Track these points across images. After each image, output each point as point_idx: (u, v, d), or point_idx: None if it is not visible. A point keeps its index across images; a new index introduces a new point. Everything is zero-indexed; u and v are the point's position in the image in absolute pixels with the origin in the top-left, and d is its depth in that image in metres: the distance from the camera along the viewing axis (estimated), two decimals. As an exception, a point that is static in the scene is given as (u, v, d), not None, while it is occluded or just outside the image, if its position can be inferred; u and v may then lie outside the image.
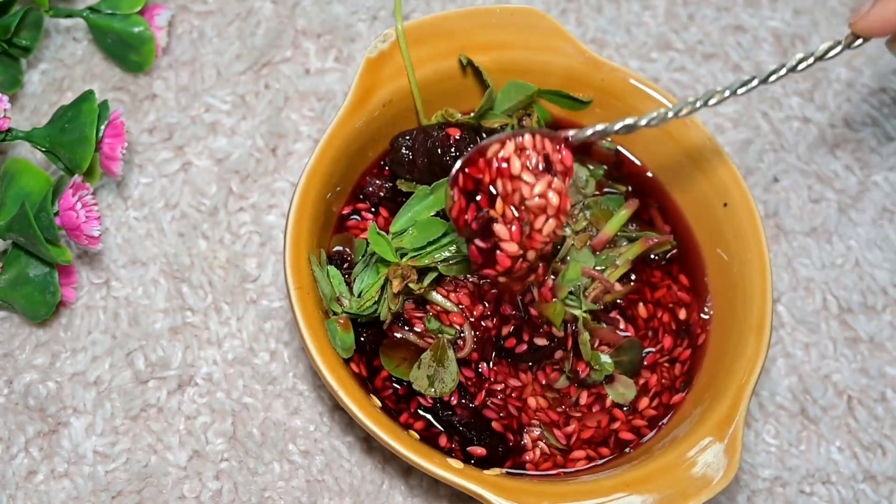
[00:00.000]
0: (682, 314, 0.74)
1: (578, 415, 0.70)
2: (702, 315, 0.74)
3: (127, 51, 0.82)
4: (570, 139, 0.63)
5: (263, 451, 0.73)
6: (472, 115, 0.75)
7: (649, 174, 0.77)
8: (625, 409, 0.71)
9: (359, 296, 0.68)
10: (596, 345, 0.71)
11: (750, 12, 0.92)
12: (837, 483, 0.76)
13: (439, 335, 0.69)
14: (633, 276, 0.74)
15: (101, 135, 0.73)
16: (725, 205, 0.72)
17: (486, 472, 0.65)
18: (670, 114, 0.63)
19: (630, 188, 0.76)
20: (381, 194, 0.74)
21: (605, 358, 0.71)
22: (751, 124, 0.88)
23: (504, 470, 0.67)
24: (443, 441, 0.68)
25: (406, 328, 0.70)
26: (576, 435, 0.70)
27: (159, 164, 0.81)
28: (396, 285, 0.66)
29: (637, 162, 0.77)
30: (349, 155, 0.72)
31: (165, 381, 0.74)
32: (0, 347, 0.74)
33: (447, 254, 0.67)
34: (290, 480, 0.72)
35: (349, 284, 0.68)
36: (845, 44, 0.62)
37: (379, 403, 0.67)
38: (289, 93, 0.84)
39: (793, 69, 0.62)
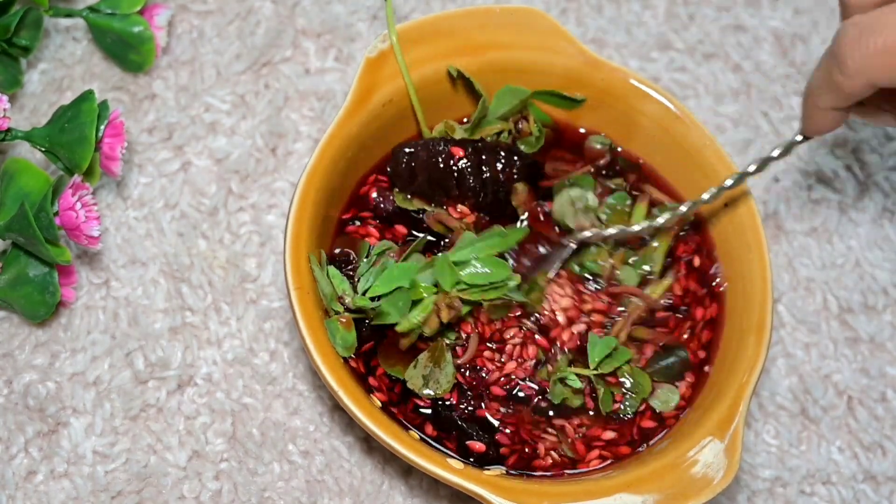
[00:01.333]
0: (697, 261, 0.74)
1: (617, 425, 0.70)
2: (715, 280, 0.73)
3: (127, 50, 0.82)
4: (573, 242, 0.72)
5: (263, 452, 0.73)
6: (469, 123, 0.75)
7: (641, 161, 0.77)
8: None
9: (363, 294, 0.68)
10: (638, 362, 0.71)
11: (750, 12, 0.92)
12: (838, 483, 0.76)
13: (439, 338, 0.69)
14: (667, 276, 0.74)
15: (100, 135, 0.73)
16: (726, 205, 0.72)
17: (486, 472, 0.65)
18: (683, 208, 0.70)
19: (628, 184, 0.76)
20: (391, 209, 0.73)
21: (643, 378, 0.70)
22: (751, 124, 0.87)
23: (504, 470, 0.67)
24: (440, 437, 0.68)
25: None
26: (613, 445, 0.69)
27: (159, 163, 0.81)
28: (445, 315, 0.67)
29: (632, 153, 0.77)
30: (349, 155, 0.72)
31: (165, 381, 0.74)
32: (0, 347, 0.74)
33: (495, 294, 0.68)
34: (289, 481, 0.72)
35: (353, 283, 0.68)
36: (793, 143, 0.66)
37: (379, 403, 0.67)
38: (289, 92, 0.84)
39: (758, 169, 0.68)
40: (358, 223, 0.73)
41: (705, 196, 0.69)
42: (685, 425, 0.68)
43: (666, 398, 0.70)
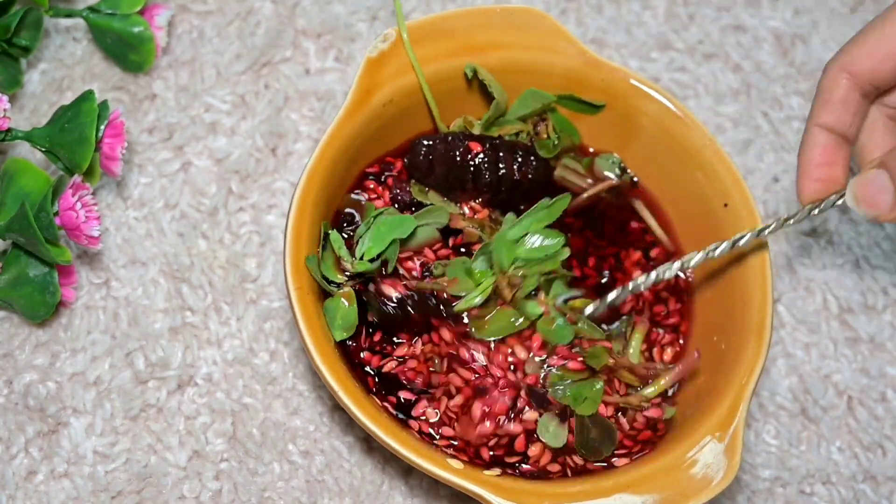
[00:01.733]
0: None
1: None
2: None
3: (127, 51, 0.82)
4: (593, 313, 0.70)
5: (263, 452, 0.73)
6: (482, 122, 0.75)
7: (635, 179, 0.77)
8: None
9: (360, 258, 0.68)
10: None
11: (750, 12, 0.92)
12: (838, 483, 0.76)
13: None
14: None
15: (100, 135, 0.73)
16: (726, 205, 0.72)
17: (485, 472, 0.65)
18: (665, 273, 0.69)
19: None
20: (408, 200, 0.74)
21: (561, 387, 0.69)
22: (751, 124, 0.88)
23: (503, 470, 0.67)
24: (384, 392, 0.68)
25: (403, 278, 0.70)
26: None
27: (159, 164, 0.81)
28: (508, 294, 0.68)
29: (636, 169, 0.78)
30: (349, 155, 0.72)
31: (165, 381, 0.74)
32: (0, 347, 0.74)
33: (552, 266, 0.69)
34: (290, 481, 0.72)
35: (352, 248, 0.69)
36: (807, 213, 0.67)
37: (379, 403, 0.67)
38: (289, 93, 0.84)
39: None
40: (376, 182, 0.74)
41: (716, 249, 0.68)
42: (684, 425, 0.68)
43: (554, 433, 0.67)
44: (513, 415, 0.67)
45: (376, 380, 0.68)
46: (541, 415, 0.67)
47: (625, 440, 0.69)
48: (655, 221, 0.76)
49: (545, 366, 0.68)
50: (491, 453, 0.67)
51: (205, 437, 0.73)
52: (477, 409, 0.67)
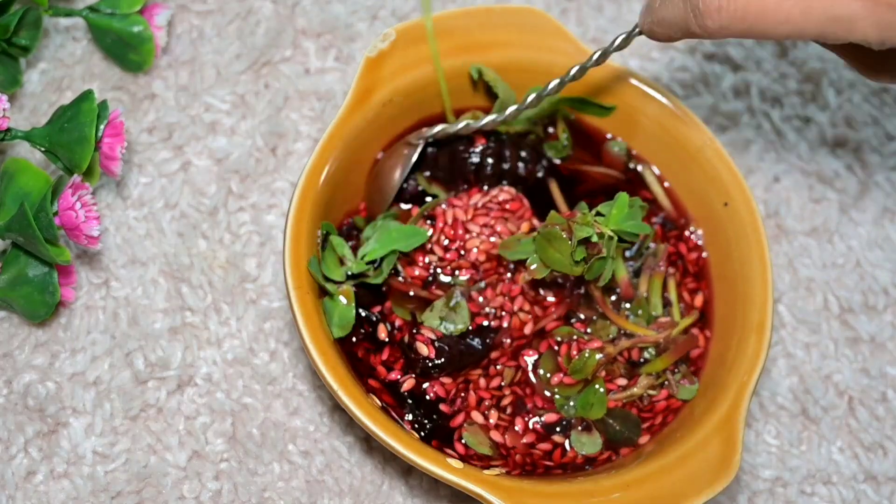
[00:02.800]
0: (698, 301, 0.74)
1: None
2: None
3: (126, 50, 0.81)
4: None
5: (263, 452, 0.73)
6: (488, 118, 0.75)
7: (655, 169, 0.77)
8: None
9: (362, 258, 0.68)
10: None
11: (750, 12, 0.92)
12: (838, 483, 0.76)
13: (453, 286, 0.70)
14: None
15: (100, 134, 0.73)
16: (726, 205, 0.73)
17: (486, 472, 0.65)
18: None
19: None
20: (416, 191, 0.74)
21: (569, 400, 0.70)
22: (751, 124, 0.87)
23: (505, 470, 0.67)
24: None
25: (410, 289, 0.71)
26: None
27: (159, 163, 0.81)
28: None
29: (641, 156, 0.77)
30: (349, 155, 0.72)
31: (165, 381, 0.74)
32: (0, 347, 0.74)
33: None
34: (289, 481, 0.72)
35: (354, 249, 0.70)
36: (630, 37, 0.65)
37: (379, 403, 0.67)
38: (289, 92, 0.84)
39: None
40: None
41: (573, 71, 0.68)
42: (684, 425, 0.68)
43: (586, 442, 0.69)
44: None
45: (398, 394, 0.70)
46: (568, 436, 0.69)
47: (643, 418, 0.70)
48: (661, 189, 0.77)
49: (550, 388, 0.70)
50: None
51: (205, 437, 0.73)
52: (519, 423, 0.69)
